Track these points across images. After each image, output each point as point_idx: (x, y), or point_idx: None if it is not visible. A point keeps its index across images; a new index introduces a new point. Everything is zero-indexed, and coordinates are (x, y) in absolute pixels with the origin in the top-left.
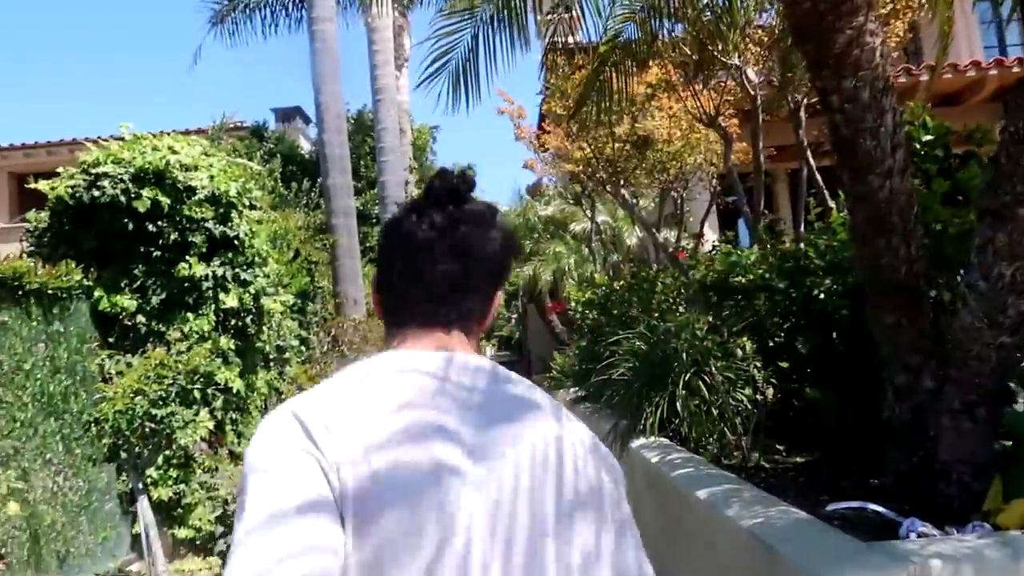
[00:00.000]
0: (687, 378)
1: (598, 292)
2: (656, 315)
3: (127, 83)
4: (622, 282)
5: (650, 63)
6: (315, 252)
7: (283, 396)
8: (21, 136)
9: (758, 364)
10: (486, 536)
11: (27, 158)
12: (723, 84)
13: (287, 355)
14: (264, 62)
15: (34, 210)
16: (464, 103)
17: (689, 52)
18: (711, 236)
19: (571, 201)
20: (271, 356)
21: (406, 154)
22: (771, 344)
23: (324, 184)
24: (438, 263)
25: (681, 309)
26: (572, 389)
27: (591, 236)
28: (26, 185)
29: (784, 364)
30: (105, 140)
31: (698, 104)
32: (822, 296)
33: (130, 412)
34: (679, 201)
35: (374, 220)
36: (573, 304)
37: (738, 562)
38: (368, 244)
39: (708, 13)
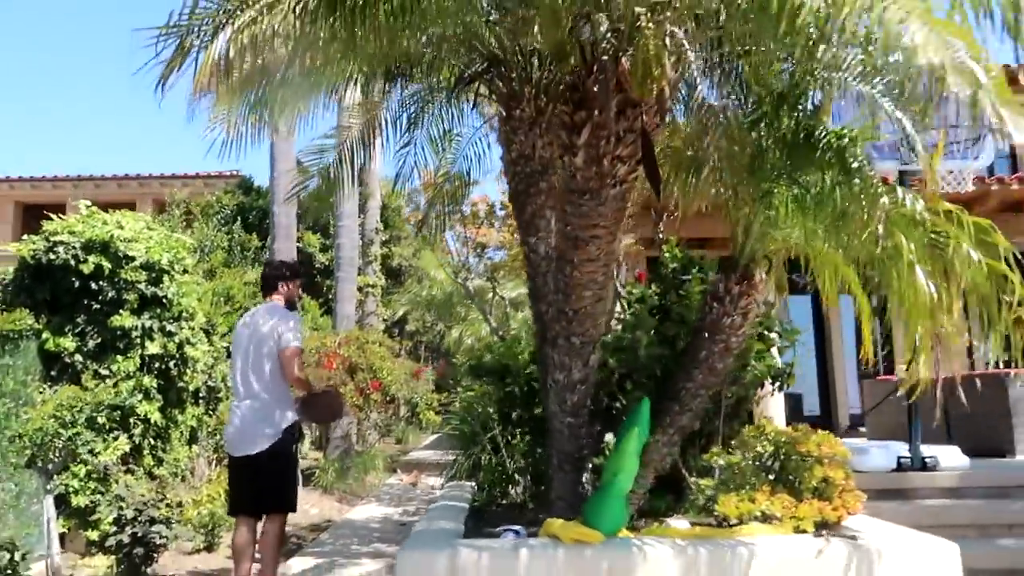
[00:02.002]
0: (487, 437)
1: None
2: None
3: (134, 122)
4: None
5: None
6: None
7: (211, 429)
8: (30, 167)
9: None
10: (244, 345)
11: (34, 189)
12: None
13: (220, 394)
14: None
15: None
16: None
17: None
18: None
19: (484, 278)
20: (201, 395)
21: (374, 216)
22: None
23: (271, 248)
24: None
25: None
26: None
27: (489, 308)
28: (11, 248)
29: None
30: (107, 178)
31: None
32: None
33: (43, 431)
34: None
35: (331, 275)
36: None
37: None
38: (329, 296)
39: None
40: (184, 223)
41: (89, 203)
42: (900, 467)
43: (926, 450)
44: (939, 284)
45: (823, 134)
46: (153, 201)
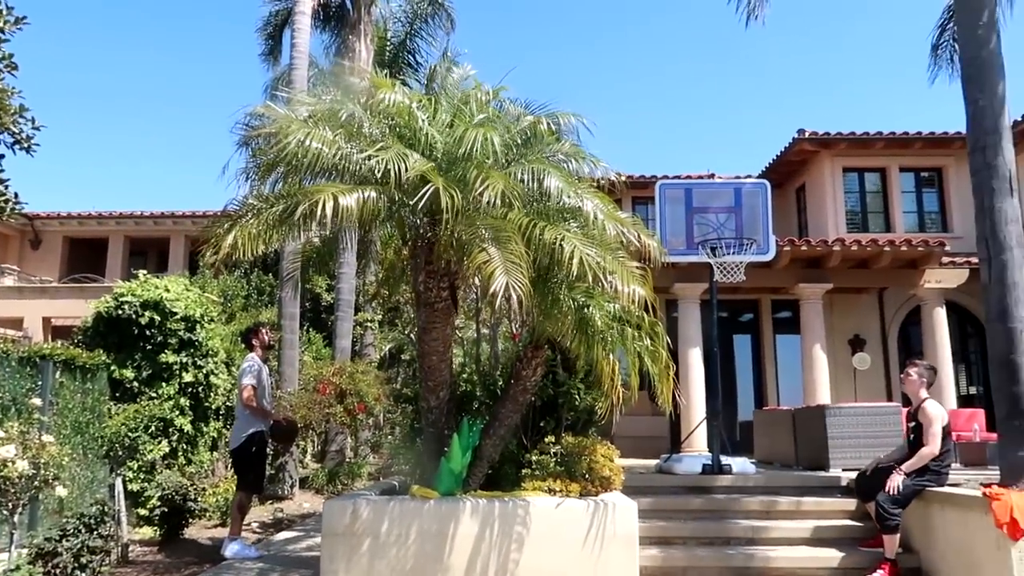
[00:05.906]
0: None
1: None
2: None
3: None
4: None
5: None
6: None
7: (227, 440)
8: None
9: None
10: None
11: (80, 226)
12: None
13: (235, 413)
14: None
15: (83, 318)
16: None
17: None
18: None
19: None
20: (220, 412)
21: (373, 258)
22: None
23: (280, 292)
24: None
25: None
26: None
27: None
28: (91, 304)
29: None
30: (145, 216)
31: None
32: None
33: (116, 434)
34: None
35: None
36: None
37: None
38: (332, 330)
39: None
40: (214, 274)
41: (146, 272)
42: (704, 471)
43: (725, 460)
44: (627, 356)
45: (565, 295)
46: (185, 237)
